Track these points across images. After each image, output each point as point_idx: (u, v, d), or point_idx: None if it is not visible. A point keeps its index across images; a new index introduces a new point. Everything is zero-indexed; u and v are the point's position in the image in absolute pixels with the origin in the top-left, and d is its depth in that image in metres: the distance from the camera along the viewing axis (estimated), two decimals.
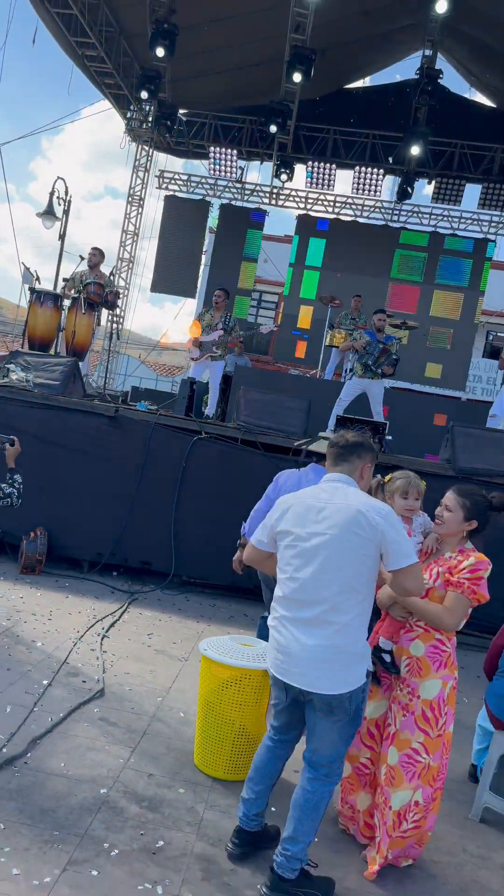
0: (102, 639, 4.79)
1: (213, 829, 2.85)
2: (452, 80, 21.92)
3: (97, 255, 7.97)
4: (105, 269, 8.46)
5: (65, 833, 2.65)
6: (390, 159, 13.22)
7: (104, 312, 8.60)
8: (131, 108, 13.89)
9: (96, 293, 7.73)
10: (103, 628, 4.99)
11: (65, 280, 8.04)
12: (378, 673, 2.79)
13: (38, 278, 8.09)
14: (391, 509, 2.55)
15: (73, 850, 2.56)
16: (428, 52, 11.37)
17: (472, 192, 13.77)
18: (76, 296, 7.74)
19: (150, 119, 13.47)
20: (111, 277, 8.00)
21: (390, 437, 7.30)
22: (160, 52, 10.29)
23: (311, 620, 2.44)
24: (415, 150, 11.84)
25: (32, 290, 7.74)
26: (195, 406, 7.99)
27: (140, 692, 4.06)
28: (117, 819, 2.80)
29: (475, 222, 14.08)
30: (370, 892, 2.65)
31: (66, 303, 7.74)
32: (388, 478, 3.05)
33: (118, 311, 13.35)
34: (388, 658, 2.77)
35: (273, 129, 11.84)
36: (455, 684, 2.75)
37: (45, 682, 3.91)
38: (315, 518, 2.53)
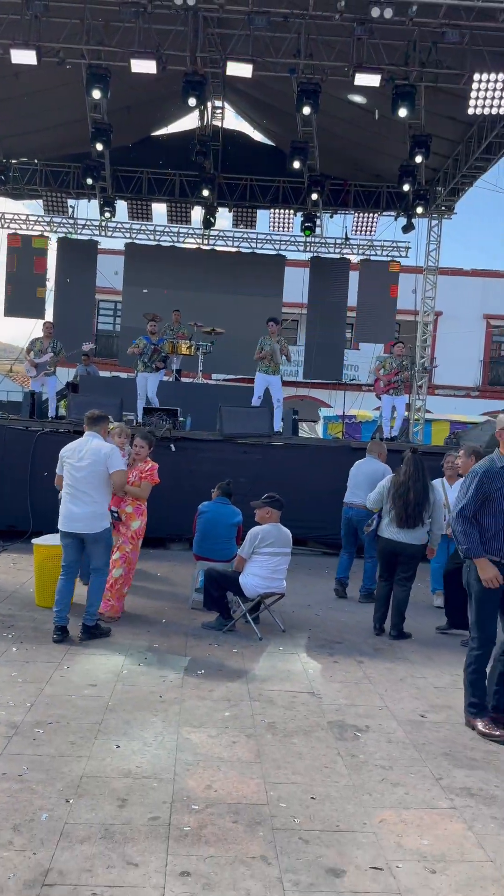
0: None
1: (41, 623, 5.60)
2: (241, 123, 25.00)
3: None
4: None
5: None
6: (195, 194, 16.16)
7: None
8: None
9: None
10: None
11: None
12: (113, 522, 5.72)
13: None
14: (114, 447, 5.40)
15: None
16: (197, 125, 14.36)
17: (264, 216, 17.01)
18: None
19: None
20: None
21: (182, 419, 10.26)
22: None
23: (81, 502, 5.28)
24: (206, 192, 14.86)
25: None
26: (37, 411, 10.59)
27: (6, 584, 6.75)
28: None
29: (269, 241, 17.35)
30: (119, 627, 5.50)
31: None
32: (112, 427, 5.94)
33: None
34: (115, 514, 5.69)
35: (89, 181, 14.50)
36: (144, 523, 5.85)
37: None
38: (80, 454, 5.38)
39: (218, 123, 16.09)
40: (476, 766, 3.58)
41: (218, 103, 15.97)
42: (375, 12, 9.10)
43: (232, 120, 16.99)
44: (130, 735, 3.68)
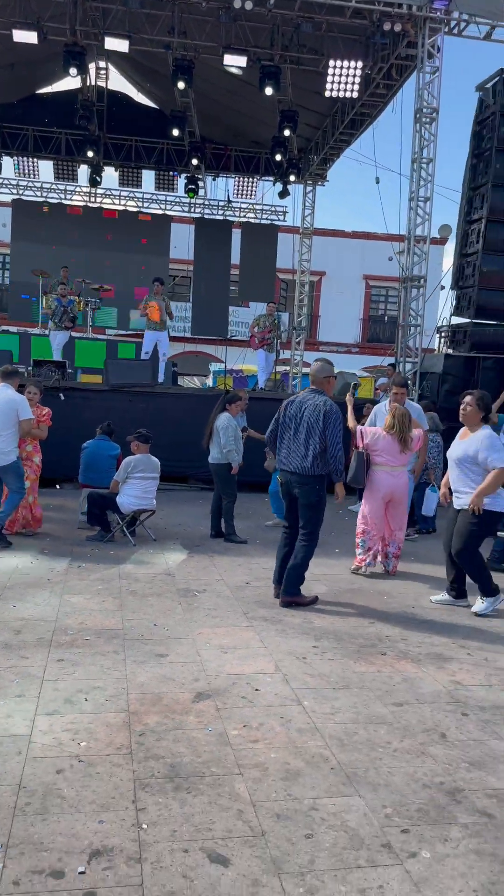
0: None
1: None
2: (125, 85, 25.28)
3: None
4: None
5: None
6: (81, 153, 16.68)
7: None
8: None
9: None
10: None
11: None
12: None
13: None
14: (24, 398, 6.49)
15: None
16: (81, 85, 14.93)
17: (150, 176, 17.78)
18: None
19: None
20: None
21: (71, 371, 11.28)
22: None
23: None
24: (90, 153, 15.51)
25: None
26: None
27: None
28: None
29: (155, 201, 18.19)
30: (16, 540, 6.67)
31: None
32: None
33: None
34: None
35: None
36: (41, 458, 7.03)
37: None
38: None
39: (102, 84, 16.60)
40: (275, 607, 5.10)
41: (102, 64, 16.45)
42: (237, 3, 10.14)
43: (116, 79, 17.47)
44: (25, 600, 4.95)
